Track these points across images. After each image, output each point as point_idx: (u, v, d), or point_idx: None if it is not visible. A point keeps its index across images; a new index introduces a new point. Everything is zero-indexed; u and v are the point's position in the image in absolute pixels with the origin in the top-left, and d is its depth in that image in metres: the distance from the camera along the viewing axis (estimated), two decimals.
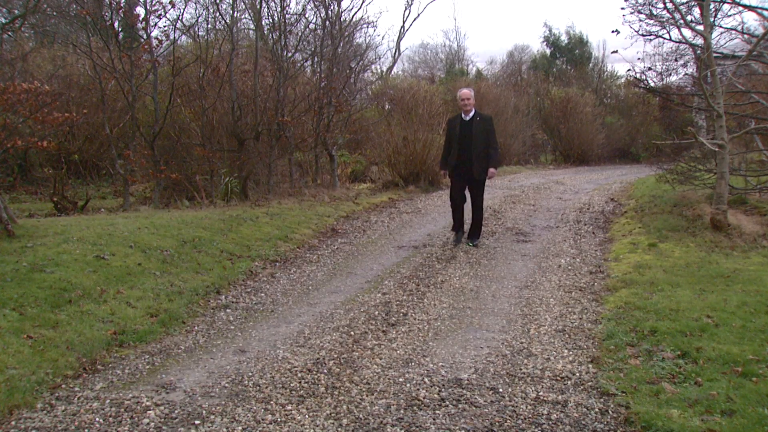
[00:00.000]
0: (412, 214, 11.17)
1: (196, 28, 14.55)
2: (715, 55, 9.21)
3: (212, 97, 11.99)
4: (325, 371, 4.30)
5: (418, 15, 43.19)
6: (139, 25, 12.07)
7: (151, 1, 10.96)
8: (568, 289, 6.44)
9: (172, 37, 11.93)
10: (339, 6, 14.29)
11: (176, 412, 3.67)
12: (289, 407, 3.75)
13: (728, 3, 9.71)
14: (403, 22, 38.19)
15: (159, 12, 11.06)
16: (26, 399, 3.76)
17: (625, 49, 12.70)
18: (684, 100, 12.24)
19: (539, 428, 3.48)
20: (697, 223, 8.85)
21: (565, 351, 4.69)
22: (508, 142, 21.71)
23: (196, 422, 3.54)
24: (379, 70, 25.28)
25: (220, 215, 9.11)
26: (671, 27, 10.47)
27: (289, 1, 29.83)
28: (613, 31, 10.41)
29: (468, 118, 8.02)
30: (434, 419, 3.58)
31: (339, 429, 3.48)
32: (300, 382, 4.12)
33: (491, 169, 8.03)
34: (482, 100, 21.34)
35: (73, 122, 10.98)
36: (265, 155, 12.25)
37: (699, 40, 9.90)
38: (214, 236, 7.99)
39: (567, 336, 5.01)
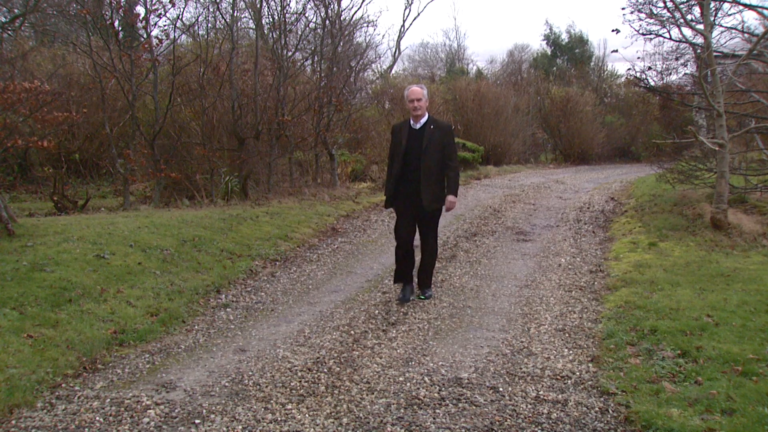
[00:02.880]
0: None
1: (196, 27, 14.54)
2: (715, 54, 9.21)
3: (212, 96, 11.99)
4: (326, 370, 4.30)
5: (418, 14, 43.34)
6: (139, 24, 12.06)
7: (151, 1, 10.96)
8: (569, 288, 6.44)
9: (172, 36, 11.93)
10: (339, 5, 14.28)
11: (176, 411, 3.67)
12: (290, 406, 3.75)
13: (728, 2, 9.71)
14: (403, 21, 38.17)
15: (159, 11, 11.06)
16: (26, 398, 3.76)
17: (626, 48, 12.75)
18: (684, 99, 12.24)
19: (539, 427, 3.48)
20: (698, 222, 8.85)
21: (566, 350, 4.69)
22: (508, 141, 21.70)
23: (197, 421, 3.55)
24: (379, 69, 25.26)
25: (220, 214, 9.11)
26: (671, 26, 10.48)
27: (289, 0, 29.83)
28: (613, 30, 10.43)
29: (419, 126, 5.78)
30: (434, 418, 3.58)
31: (339, 428, 3.48)
32: (300, 381, 4.12)
33: (450, 198, 5.82)
34: (482, 99, 21.31)
35: (73, 121, 10.97)
36: (265, 154, 12.25)
37: (699, 39, 9.91)
38: (215, 235, 7.98)
39: (567, 335, 5.02)
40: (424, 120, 5.81)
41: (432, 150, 5.71)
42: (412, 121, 5.86)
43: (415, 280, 6.22)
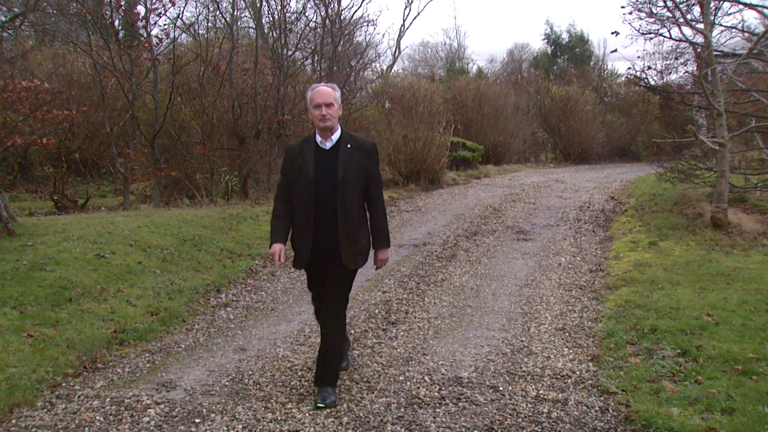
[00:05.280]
0: (412, 213, 11.16)
1: (197, 27, 14.56)
2: (715, 53, 9.21)
3: (212, 95, 11.98)
4: None
5: (419, 13, 43.36)
6: (140, 24, 12.06)
7: (152, 0, 10.97)
8: (569, 287, 6.44)
9: (172, 36, 11.96)
10: (339, 4, 14.30)
11: (177, 410, 3.67)
12: (290, 405, 3.75)
13: (728, 1, 9.71)
14: (404, 20, 38.04)
15: (159, 10, 11.09)
16: (27, 397, 3.76)
17: (626, 48, 12.81)
18: (684, 98, 12.23)
19: (539, 427, 3.48)
20: (698, 221, 8.85)
21: (566, 349, 4.69)
22: (508, 141, 21.68)
23: (197, 420, 3.55)
24: (379, 69, 25.25)
25: (220, 214, 9.10)
26: (671, 25, 10.48)
27: (289, 0, 29.81)
28: (612, 33, 10.45)
29: (330, 145, 3.89)
30: (434, 417, 3.58)
31: (339, 427, 3.48)
32: (300, 381, 4.12)
33: (380, 255, 4.07)
34: (482, 98, 21.26)
35: (73, 120, 10.98)
36: (265, 153, 12.25)
37: (699, 39, 9.91)
38: (215, 235, 7.98)
39: (567, 334, 5.02)
40: (336, 136, 3.90)
41: (352, 180, 3.84)
42: (319, 138, 3.90)
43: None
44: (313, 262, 3.99)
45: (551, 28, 33.70)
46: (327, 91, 3.85)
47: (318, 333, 5.04)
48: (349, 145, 3.90)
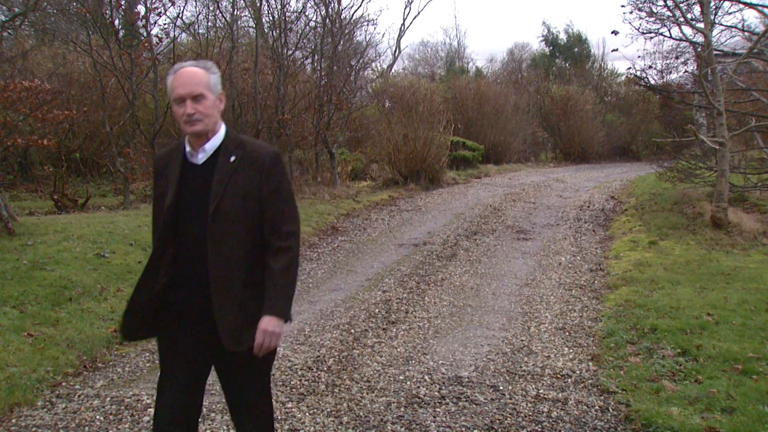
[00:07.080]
0: (412, 212, 11.17)
1: (197, 26, 14.56)
2: (715, 52, 9.21)
3: None
4: (326, 369, 4.30)
5: (419, 13, 43.32)
6: (140, 23, 12.06)
7: None
8: (569, 286, 6.44)
9: (172, 35, 11.94)
10: (339, 4, 14.29)
11: None
12: (290, 405, 3.75)
13: (729, 0, 9.71)
14: (404, 20, 37.97)
15: (159, 10, 11.08)
16: (27, 397, 3.77)
17: (626, 47, 12.78)
18: (684, 97, 12.23)
19: (539, 426, 3.48)
20: (698, 220, 8.85)
21: (566, 349, 4.69)
22: (508, 140, 21.67)
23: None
24: (379, 68, 25.24)
25: None
26: (671, 25, 10.47)
27: None
28: (612, 32, 10.45)
29: (203, 158, 2.42)
30: (434, 417, 3.58)
31: (339, 427, 3.48)
32: (300, 380, 4.12)
33: (265, 325, 2.34)
34: (482, 98, 21.24)
35: (74, 120, 10.98)
36: None
37: (699, 38, 9.90)
38: None
39: (567, 334, 5.02)
40: (214, 143, 2.44)
41: (234, 213, 2.37)
42: (188, 147, 2.46)
43: None
44: (166, 337, 2.52)
45: (548, 29, 33.68)
46: (194, 76, 2.37)
47: (319, 332, 5.05)
48: (233, 158, 2.41)
